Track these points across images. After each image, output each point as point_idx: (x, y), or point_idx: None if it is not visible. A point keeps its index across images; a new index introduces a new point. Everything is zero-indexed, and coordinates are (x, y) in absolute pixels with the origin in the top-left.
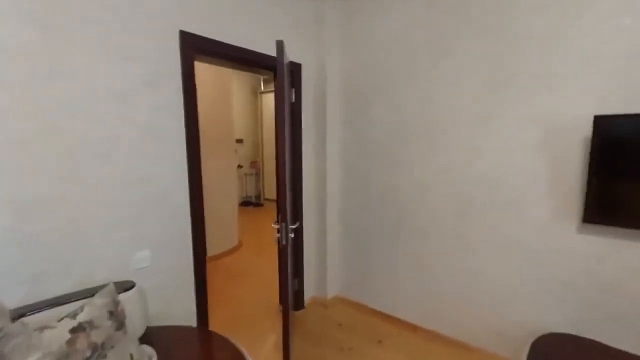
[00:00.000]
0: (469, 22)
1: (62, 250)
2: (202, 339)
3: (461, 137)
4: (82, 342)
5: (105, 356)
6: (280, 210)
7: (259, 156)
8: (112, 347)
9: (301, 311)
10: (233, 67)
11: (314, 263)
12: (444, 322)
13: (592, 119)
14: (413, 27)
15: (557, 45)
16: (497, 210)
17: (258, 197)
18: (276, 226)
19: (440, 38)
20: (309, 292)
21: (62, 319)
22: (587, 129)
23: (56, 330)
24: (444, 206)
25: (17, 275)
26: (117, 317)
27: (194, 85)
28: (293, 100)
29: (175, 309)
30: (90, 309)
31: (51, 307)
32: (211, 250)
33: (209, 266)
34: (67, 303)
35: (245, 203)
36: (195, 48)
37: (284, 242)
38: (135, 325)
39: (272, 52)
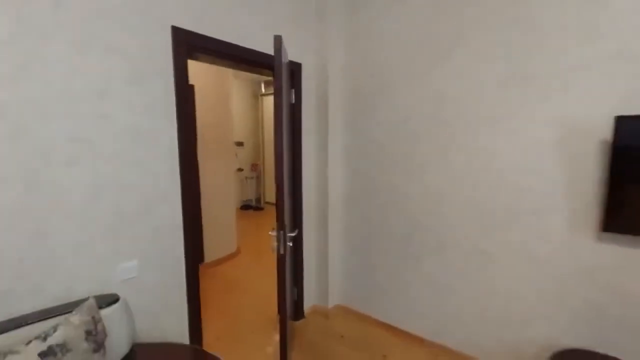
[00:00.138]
0: (484, 14)
1: (29, 265)
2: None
3: (474, 138)
4: None
5: None
6: (278, 217)
7: (259, 159)
8: None
9: (301, 321)
10: (230, 67)
11: (314, 271)
12: (453, 336)
13: (612, 119)
14: (422, 20)
15: (580, 40)
16: (513, 218)
17: (258, 200)
18: (274, 234)
19: (453, 32)
20: (309, 301)
21: (30, 341)
22: (606, 131)
23: (20, 356)
24: (456, 214)
25: None
26: (95, 337)
27: (187, 85)
28: (293, 101)
29: (166, 322)
30: (65, 329)
31: (21, 327)
32: (208, 256)
33: (206, 273)
34: (39, 321)
35: (245, 207)
36: (188, 45)
37: (281, 252)
38: (120, 343)
39: (272, 50)
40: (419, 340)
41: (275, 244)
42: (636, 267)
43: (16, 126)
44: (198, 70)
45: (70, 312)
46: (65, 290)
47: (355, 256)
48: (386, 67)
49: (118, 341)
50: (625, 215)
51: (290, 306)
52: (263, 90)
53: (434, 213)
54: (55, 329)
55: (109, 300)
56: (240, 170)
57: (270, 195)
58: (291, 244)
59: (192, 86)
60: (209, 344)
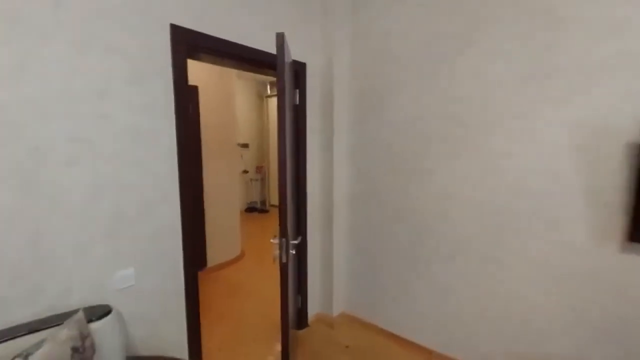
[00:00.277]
0: (502, 5)
1: (24, 271)
2: None
3: (487, 140)
4: None
5: None
6: (281, 224)
7: (265, 161)
8: None
9: (305, 330)
10: (232, 66)
11: (319, 277)
12: (464, 349)
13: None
14: (433, 17)
15: (605, 35)
16: (529, 225)
17: (263, 202)
18: (276, 242)
19: (468, 25)
20: (313, 309)
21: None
22: (633, 132)
23: None
24: (468, 219)
25: None
26: (82, 354)
27: (187, 85)
28: (297, 102)
29: (165, 330)
30: (50, 346)
31: (5, 341)
32: (211, 260)
33: (209, 278)
34: (26, 335)
35: (250, 209)
36: (188, 44)
37: (284, 260)
38: (110, 359)
39: (275, 49)
40: (428, 353)
41: (277, 252)
42: None
43: (15, 126)
44: (202, 72)
45: (60, 324)
46: (59, 298)
47: (360, 262)
48: (394, 66)
49: (108, 356)
50: None
51: (294, 314)
52: (269, 91)
53: (443, 217)
54: (39, 345)
55: (100, 312)
56: (245, 172)
57: (276, 197)
58: (294, 252)
59: (195, 87)
60: (209, 352)
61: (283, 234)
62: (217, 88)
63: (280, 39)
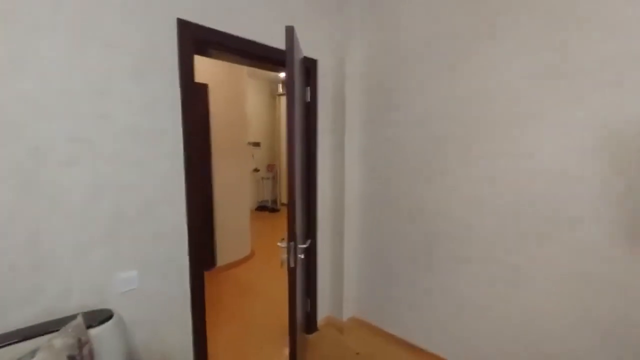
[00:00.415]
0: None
1: (22, 274)
2: None
3: (505, 140)
4: None
5: None
6: (289, 227)
7: (276, 160)
8: None
9: (314, 334)
10: (241, 63)
11: (328, 280)
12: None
13: None
14: (447, 12)
15: (634, 29)
16: (548, 230)
17: (274, 201)
18: (283, 245)
19: (484, 21)
20: (322, 312)
21: None
22: None
23: None
24: (484, 223)
25: None
26: None
27: (194, 82)
28: (308, 99)
29: (169, 334)
30: (44, 355)
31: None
32: (221, 260)
33: (218, 277)
34: (20, 342)
35: (261, 208)
36: (195, 39)
37: (292, 265)
38: None
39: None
40: None
41: (285, 256)
42: None
43: (14, 125)
44: (212, 69)
45: (58, 330)
46: (59, 301)
47: (372, 265)
48: (408, 64)
49: None
50: None
51: (303, 318)
52: (280, 90)
53: (458, 221)
54: (33, 354)
55: (101, 317)
56: (256, 170)
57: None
58: (302, 256)
59: (205, 85)
60: (215, 356)
61: (291, 237)
62: (227, 86)
63: (290, 32)
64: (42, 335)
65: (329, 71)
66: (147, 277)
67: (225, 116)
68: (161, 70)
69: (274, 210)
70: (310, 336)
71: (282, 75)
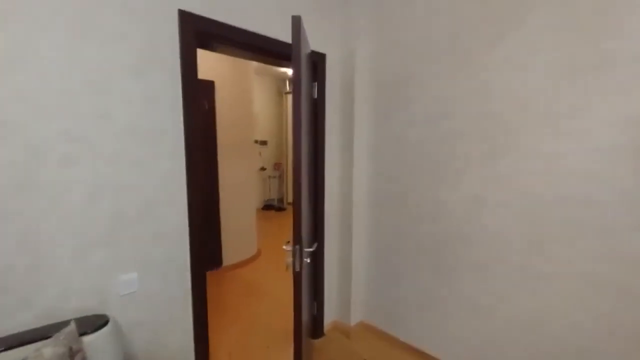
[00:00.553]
0: None
1: (19, 275)
2: None
3: (530, 138)
4: None
5: None
6: (295, 230)
7: (283, 158)
8: None
9: (320, 339)
10: (246, 57)
11: (336, 283)
12: None
13: None
14: None
15: None
16: (575, 234)
17: (281, 200)
18: (288, 249)
19: (508, 8)
20: (329, 316)
21: None
22: None
23: None
24: (502, 225)
25: None
26: None
27: (197, 78)
28: (315, 95)
29: (170, 341)
30: None
31: None
32: (227, 259)
33: (225, 277)
34: (5, 351)
35: (267, 207)
36: (198, 32)
37: (297, 269)
38: None
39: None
40: None
41: (290, 259)
42: None
43: (10, 124)
44: (218, 66)
45: (50, 336)
46: (56, 304)
47: (381, 268)
48: (421, 57)
49: None
50: None
51: (309, 322)
52: (288, 87)
53: (474, 223)
54: None
55: (96, 323)
56: (263, 169)
57: None
58: (309, 260)
59: (212, 82)
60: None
61: (297, 240)
62: (234, 83)
63: (297, 22)
64: (33, 342)
65: (337, 66)
66: (147, 278)
67: (231, 114)
68: (162, 66)
69: (280, 209)
70: (317, 341)
71: (290, 72)
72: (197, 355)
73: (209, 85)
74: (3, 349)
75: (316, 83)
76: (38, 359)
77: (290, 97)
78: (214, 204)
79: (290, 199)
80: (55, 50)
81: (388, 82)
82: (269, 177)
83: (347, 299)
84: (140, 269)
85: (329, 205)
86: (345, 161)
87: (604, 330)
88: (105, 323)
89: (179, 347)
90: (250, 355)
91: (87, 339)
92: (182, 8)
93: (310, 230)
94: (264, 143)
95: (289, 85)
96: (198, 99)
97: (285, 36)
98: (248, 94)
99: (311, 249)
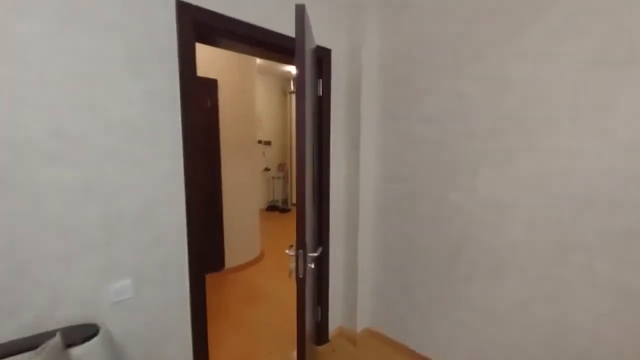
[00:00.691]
0: None
1: (0, 283)
2: None
3: (550, 137)
4: None
5: None
6: (299, 233)
7: (287, 159)
8: None
9: (325, 346)
10: (248, 52)
11: (341, 288)
12: None
13: None
14: None
15: None
16: (601, 239)
17: (285, 201)
18: (292, 253)
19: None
20: (334, 322)
21: None
22: None
23: None
24: (521, 230)
25: None
26: None
27: (195, 73)
28: (320, 93)
29: (167, 351)
30: None
31: None
32: (230, 261)
33: (226, 280)
34: None
35: (271, 208)
36: (196, 23)
37: (300, 275)
38: None
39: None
40: None
41: (293, 264)
42: None
43: None
44: (221, 65)
45: (33, 349)
46: (43, 314)
47: (389, 273)
48: (432, 50)
49: None
50: None
51: (313, 328)
52: (292, 87)
53: (490, 227)
54: None
55: (85, 333)
56: (267, 169)
57: None
58: (313, 266)
59: (214, 81)
60: None
61: (300, 244)
62: (237, 82)
63: (300, 11)
64: (14, 355)
65: (343, 61)
66: (142, 285)
67: (234, 113)
68: (159, 59)
69: (284, 210)
70: (321, 348)
71: (294, 71)
72: None
73: (212, 84)
74: None
75: (321, 80)
76: None
77: (294, 97)
78: (217, 205)
79: (294, 200)
80: (39, 38)
81: (398, 76)
82: (273, 177)
83: (353, 305)
84: (135, 274)
85: (335, 207)
86: (352, 161)
87: (628, 342)
88: (95, 333)
89: (177, 357)
90: (251, 357)
91: (74, 351)
92: None
93: (315, 233)
94: (268, 143)
95: (294, 85)
96: (198, 96)
97: (289, 29)
98: (251, 93)
99: (315, 254)
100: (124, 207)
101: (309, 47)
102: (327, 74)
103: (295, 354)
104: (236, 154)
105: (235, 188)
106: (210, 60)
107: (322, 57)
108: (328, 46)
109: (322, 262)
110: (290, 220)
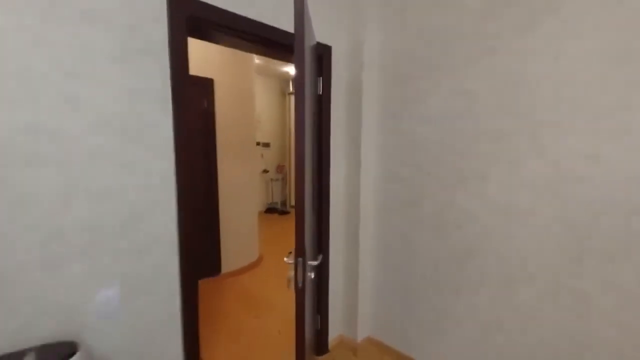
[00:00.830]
0: None
1: None
2: None
3: (564, 138)
4: None
5: None
6: (297, 240)
7: (286, 160)
8: None
9: (325, 356)
10: (244, 48)
11: (342, 295)
12: None
13: None
14: None
15: None
16: (622, 248)
17: (284, 203)
18: (290, 261)
19: None
20: (334, 331)
21: None
22: None
23: None
24: (533, 237)
25: None
26: None
27: (187, 67)
28: (320, 92)
29: None
30: None
31: None
32: (226, 266)
33: (222, 285)
34: None
35: (270, 210)
36: (189, 16)
37: (300, 285)
38: None
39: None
40: None
41: (292, 273)
42: None
43: None
44: (217, 63)
45: None
46: (15, 330)
47: (391, 281)
48: (437, 47)
49: None
50: None
51: (312, 337)
52: (291, 88)
53: (499, 234)
54: None
55: (62, 353)
56: (265, 171)
57: None
58: (313, 275)
59: (211, 80)
60: None
61: (299, 252)
62: (234, 82)
63: (300, 3)
64: None
65: (344, 59)
66: (129, 295)
67: (232, 113)
68: (148, 53)
69: (283, 212)
70: (320, 358)
71: (293, 72)
72: None
73: (208, 83)
74: None
75: (321, 78)
76: None
77: (293, 98)
78: (213, 208)
79: (293, 202)
80: (17, 31)
81: (400, 74)
82: (272, 179)
83: (353, 313)
84: (122, 284)
85: (335, 211)
86: (352, 163)
87: None
88: (73, 353)
89: None
90: None
91: None
92: None
93: (314, 238)
94: (266, 145)
95: (293, 86)
96: (192, 95)
97: (288, 25)
98: (249, 93)
99: (316, 262)
100: (109, 210)
101: (308, 43)
102: (328, 72)
103: None
104: (233, 156)
105: (232, 190)
106: (206, 59)
107: (322, 54)
108: (328, 43)
109: (322, 268)
110: (290, 222)
